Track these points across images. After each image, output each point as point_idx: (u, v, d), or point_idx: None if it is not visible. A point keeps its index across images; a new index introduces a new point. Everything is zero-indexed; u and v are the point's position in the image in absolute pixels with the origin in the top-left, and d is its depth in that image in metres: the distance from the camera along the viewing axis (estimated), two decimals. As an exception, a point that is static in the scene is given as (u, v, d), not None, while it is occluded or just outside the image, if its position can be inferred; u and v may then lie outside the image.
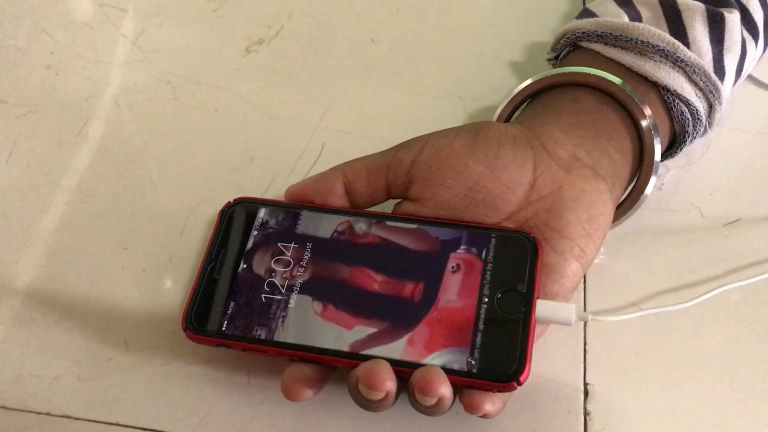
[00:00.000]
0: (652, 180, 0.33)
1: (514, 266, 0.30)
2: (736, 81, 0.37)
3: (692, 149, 0.38)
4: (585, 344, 0.32)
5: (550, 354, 0.32)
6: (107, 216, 0.38)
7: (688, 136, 0.35)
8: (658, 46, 0.33)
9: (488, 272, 0.30)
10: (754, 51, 0.37)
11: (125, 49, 0.45)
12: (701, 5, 0.34)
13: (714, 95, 0.34)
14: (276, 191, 0.38)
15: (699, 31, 0.34)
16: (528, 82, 0.35)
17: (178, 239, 0.36)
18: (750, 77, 0.42)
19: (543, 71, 0.35)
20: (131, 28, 0.46)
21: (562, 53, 0.38)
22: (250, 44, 0.45)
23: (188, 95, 0.43)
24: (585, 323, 0.33)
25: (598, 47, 0.35)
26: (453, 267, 0.30)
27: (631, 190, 0.34)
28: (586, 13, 0.37)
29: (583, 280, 0.34)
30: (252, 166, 0.39)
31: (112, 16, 0.47)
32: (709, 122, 0.35)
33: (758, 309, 0.33)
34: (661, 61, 0.33)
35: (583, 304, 0.34)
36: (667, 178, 0.38)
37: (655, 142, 0.33)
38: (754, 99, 0.41)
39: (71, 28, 0.47)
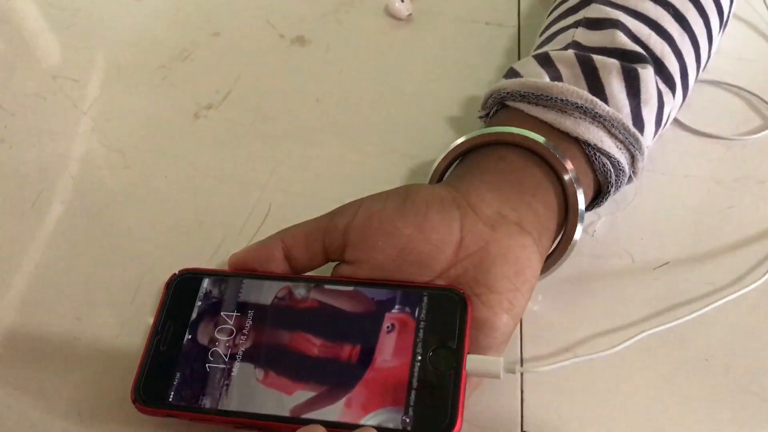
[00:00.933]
0: (579, 229, 0.35)
1: (445, 323, 0.31)
2: (657, 130, 0.39)
3: (623, 195, 0.40)
4: (522, 392, 0.34)
5: (489, 403, 0.33)
6: (61, 287, 0.39)
7: (612, 186, 0.37)
8: (577, 103, 0.35)
9: (421, 330, 0.31)
10: (672, 101, 0.39)
11: (78, 120, 0.47)
12: (616, 62, 0.36)
13: (635, 146, 0.36)
14: (224, 254, 0.39)
15: (615, 87, 0.36)
16: (459, 141, 0.37)
17: (129, 308, 0.38)
18: (677, 122, 0.44)
19: (474, 130, 0.37)
20: (83, 99, 0.48)
21: (491, 111, 0.39)
22: (199, 109, 0.47)
23: (139, 163, 0.44)
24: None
25: (523, 106, 0.37)
26: (388, 327, 0.31)
27: (560, 240, 0.36)
28: (512, 72, 0.39)
29: (519, 328, 0.36)
30: (201, 230, 0.41)
31: (65, 86, 0.49)
32: (633, 171, 0.37)
33: (688, 349, 0.35)
34: (580, 117, 0.35)
35: (519, 352, 0.35)
36: (599, 225, 0.39)
37: (578, 194, 0.35)
38: (681, 143, 0.43)
39: (24, 100, 0.48)
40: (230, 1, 0.54)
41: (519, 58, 0.48)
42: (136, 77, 0.49)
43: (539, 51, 0.39)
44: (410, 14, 0.52)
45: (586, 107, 0.35)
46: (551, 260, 0.36)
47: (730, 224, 0.40)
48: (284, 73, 0.49)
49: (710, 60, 0.43)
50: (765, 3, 0.51)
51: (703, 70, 0.43)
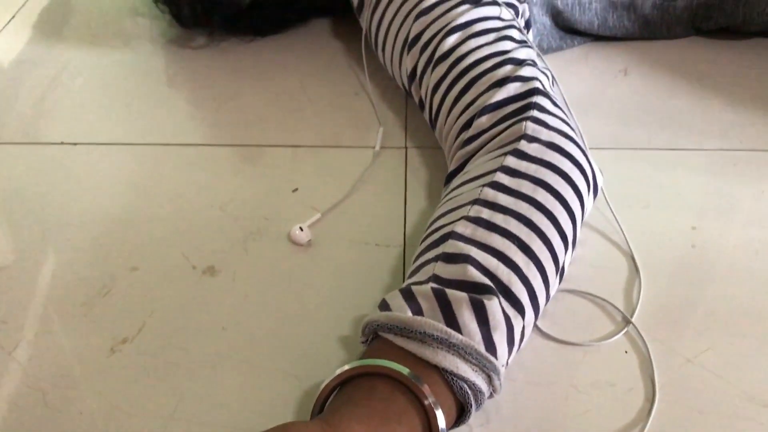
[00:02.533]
0: (443, 446, 0.40)
1: None
2: (512, 349, 0.44)
3: (496, 404, 0.45)
4: None
5: None
6: None
7: (471, 405, 0.42)
8: (434, 335, 0.41)
9: None
10: (521, 323, 0.45)
11: (2, 362, 0.51)
12: (465, 295, 0.43)
13: (489, 368, 0.42)
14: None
15: (467, 318, 0.42)
16: (338, 372, 0.42)
17: None
18: (538, 330, 0.50)
19: (350, 362, 0.42)
20: (8, 341, 0.52)
21: (368, 339, 0.45)
22: (115, 344, 0.51)
23: (57, 401, 0.48)
24: None
25: (391, 337, 0.42)
26: None
27: (428, 458, 0.40)
28: (384, 304, 0.45)
29: None
30: (111, 466, 0.44)
31: (-8, 328, 0.53)
32: (492, 389, 0.43)
33: None
34: (438, 347, 0.41)
35: None
36: (471, 436, 0.44)
37: (438, 416, 0.39)
38: (542, 351, 0.49)
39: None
40: (150, 235, 0.60)
41: (403, 277, 0.54)
42: (58, 316, 0.54)
43: (405, 284, 0.46)
44: (310, 240, 0.58)
45: (442, 338, 0.41)
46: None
47: (588, 428, 0.45)
48: (195, 304, 0.54)
49: (565, 272, 0.50)
50: (612, 210, 0.59)
51: (558, 286, 0.49)
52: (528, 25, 0.73)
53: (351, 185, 0.63)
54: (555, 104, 0.57)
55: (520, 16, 0.70)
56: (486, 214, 0.48)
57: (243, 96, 0.75)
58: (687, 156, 0.66)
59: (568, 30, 0.80)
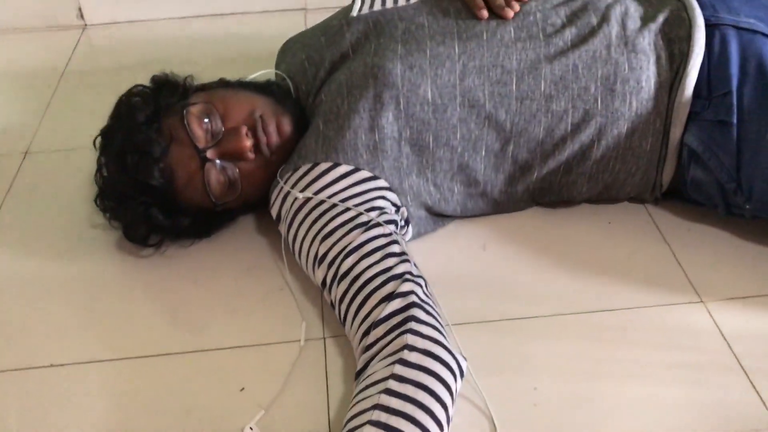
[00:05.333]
0: None
1: None
2: None
3: None
4: None
5: None
6: None
7: None
8: None
9: None
10: None
11: None
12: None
13: None
14: None
15: None
16: None
17: None
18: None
19: None
20: None
21: None
22: None
23: None
24: None
25: None
26: None
27: None
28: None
29: None
30: None
31: None
32: None
33: None
34: None
35: None
36: None
37: None
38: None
39: None
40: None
41: None
42: None
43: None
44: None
45: None
46: None
47: None
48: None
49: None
50: (475, 381, 0.81)
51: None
52: (407, 221, 0.96)
53: (284, 379, 0.84)
54: (428, 312, 0.79)
55: (400, 219, 0.93)
56: (384, 417, 0.69)
57: (190, 302, 0.95)
58: (530, 323, 0.90)
59: (439, 215, 1.03)
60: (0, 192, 1.14)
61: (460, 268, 0.98)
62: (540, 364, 0.85)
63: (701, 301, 0.91)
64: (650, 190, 1.03)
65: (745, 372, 0.83)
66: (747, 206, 0.95)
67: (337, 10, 1.10)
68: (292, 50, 1.13)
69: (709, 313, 0.90)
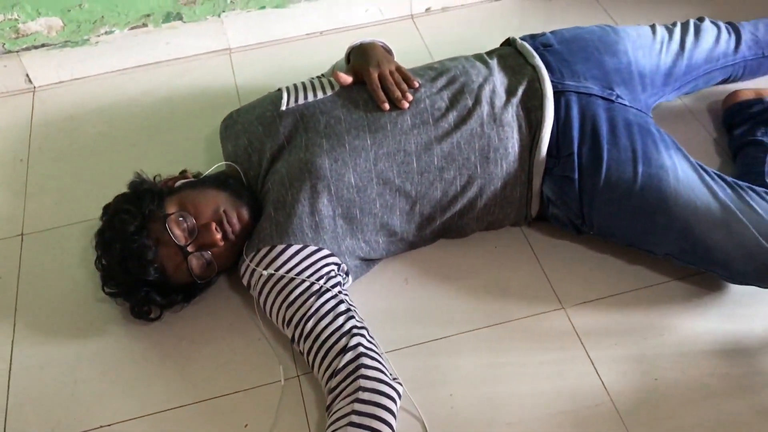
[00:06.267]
0: None
1: None
2: None
3: None
4: None
5: None
6: None
7: None
8: None
9: None
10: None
11: None
12: None
13: None
14: None
15: None
16: None
17: None
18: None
19: None
20: None
21: None
22: None
23: None
24: None
25: None
26: None
27: None
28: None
29: None
30: None
31: None
32: None
33: None
34: None
35: None
36: None
37: None
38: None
39: None
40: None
41: None
42: None
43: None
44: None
45: None
46: None
47: None
48: None
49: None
50: (412, 400, 1.16)
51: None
52: (348, 272, 1.28)
53: (275, 412, 1.17)
54: (372, 357, 1.13)
55: (342, 273, 1.24)
56: None
57: (190, 358, 1.26)
58: (443, 343, 1.24)
59: (370, 260, 1.35)
60: (12, 275, 1.40)
61: (389, 301, 1.31)
62: (452, 374, 1.20)
63: (562, 308, 1.28)
64: (523, 220, 1.37)
65: (591, 361, 1.20)
66: (591, 233, 1.31)
67: (264, 90, 1.36)
68: (234, 130, 1.39)
69: (568, 317, 1.27)
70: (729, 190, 1.22)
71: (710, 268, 1.23)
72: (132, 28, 1.75)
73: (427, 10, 1.90)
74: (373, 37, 1.43)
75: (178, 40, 1.79)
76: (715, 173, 1.26)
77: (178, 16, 1.75)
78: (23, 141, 1.66)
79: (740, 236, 1.17)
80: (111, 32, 1.73)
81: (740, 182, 1.25)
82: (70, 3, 1.65)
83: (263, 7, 1.78)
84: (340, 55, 1.46)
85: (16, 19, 1.64)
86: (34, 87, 1.79)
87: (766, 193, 1.23)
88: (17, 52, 1.71)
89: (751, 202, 1.20)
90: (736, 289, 1.27)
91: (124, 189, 1.30)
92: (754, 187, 1.24)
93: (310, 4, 1.80)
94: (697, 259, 1.23)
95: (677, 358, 1.20)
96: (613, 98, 1.31)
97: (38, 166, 1.61)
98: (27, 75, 1.76)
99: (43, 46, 1.71)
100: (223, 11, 1.76)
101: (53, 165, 1.61)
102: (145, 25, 1.74)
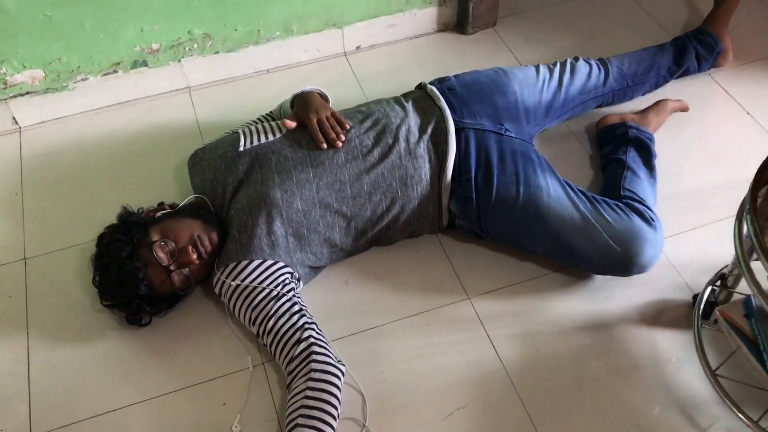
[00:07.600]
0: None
1: None
2: None
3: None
4: None
5: None
6: None
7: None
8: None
9: None
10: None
11: None
12: None
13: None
14: None
15: None
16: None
17: None
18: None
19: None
20: None
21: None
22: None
23: None
24: None
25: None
26: None
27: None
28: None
29: None
30: None
31: None
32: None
33: None
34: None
35: None
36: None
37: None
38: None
39: None
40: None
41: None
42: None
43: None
44: None
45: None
46: None
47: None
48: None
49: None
50: (353, 377, 1.51)
51: None
52: (299, 279, 1.61)
53: (247, 393, 1.49)
54: (321, 346, 1.46)
55: (295, 280, 1.57)
56: (306, 411, 1.37)
57: (178, 352, 1.58)
58: (377, 330, 1.59)
59: (317, 267, 1.68)
60: (20, 294, 1.69)
61: (332, 299, 1.65)
62: (384, 356, 1.55)
63: (468, 298, 1.63)
64: (437, 229, 1.72)
65: (490, 339, 1.56)
66: (488, 238, 1.67)
67: (224, 125, 1.68)
68: (201, 166, 1.71)
69: (473, 305, 1.62)
70: (588, 204, 1.59)
71: (577, 263, 1.61)
72: (104, 75, 2.03)
73: (358, 47, 2.23)
74: (312, 73, 1.75)
75: (144, 82, 2.09)
76: (579, 189, 1.63)
77: (144, 63, 2.04)
78: (16, 175, 1.94)
79: (595, 239, 1.54)
80: (86, 79, 2.01)
81: (597, 196, 1.62)
82: (51, 56, 1.93)
83: (217, 52, 2.08)
84: (284, 90, 1.78)
85: (4, 73, 1.91)
86: (20, 127, 2.06)
87: (616, 205, 1.60)
88: (5, 99, 1.97)
89: (604, 213, 1.57)
90: (598, 278, 1.65)
91: (110, 214, 1.62)
92: (606, 200, 1.62)
93: (257, 47, 2.11)
94: (566, 256, 1.60)
95: (554, 333, 1.57)
96: (503, 132, 1.67)
97: (32, 197, 1.89)
98: (13, 117, 2.02)
99: (27, 93, 1.99)
100: (183, 57, 2.06)
101: (45, 195, 1.89)
102: (115, 71, 2.03)
